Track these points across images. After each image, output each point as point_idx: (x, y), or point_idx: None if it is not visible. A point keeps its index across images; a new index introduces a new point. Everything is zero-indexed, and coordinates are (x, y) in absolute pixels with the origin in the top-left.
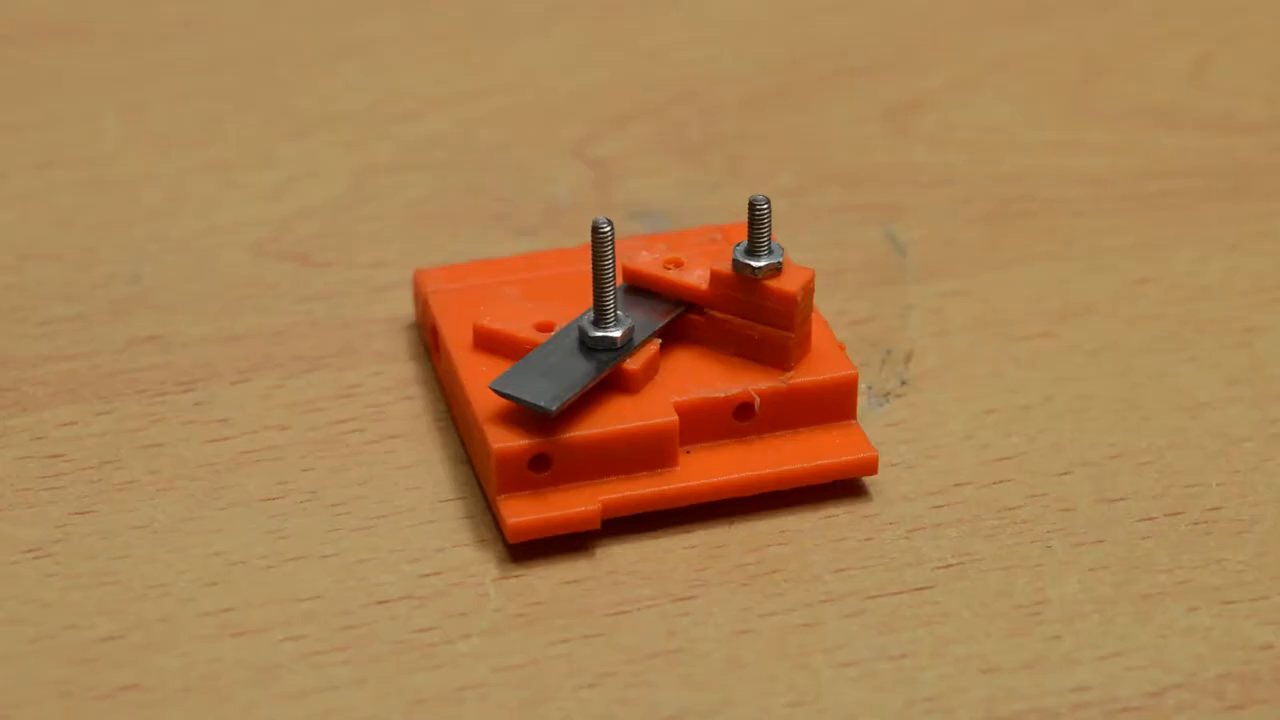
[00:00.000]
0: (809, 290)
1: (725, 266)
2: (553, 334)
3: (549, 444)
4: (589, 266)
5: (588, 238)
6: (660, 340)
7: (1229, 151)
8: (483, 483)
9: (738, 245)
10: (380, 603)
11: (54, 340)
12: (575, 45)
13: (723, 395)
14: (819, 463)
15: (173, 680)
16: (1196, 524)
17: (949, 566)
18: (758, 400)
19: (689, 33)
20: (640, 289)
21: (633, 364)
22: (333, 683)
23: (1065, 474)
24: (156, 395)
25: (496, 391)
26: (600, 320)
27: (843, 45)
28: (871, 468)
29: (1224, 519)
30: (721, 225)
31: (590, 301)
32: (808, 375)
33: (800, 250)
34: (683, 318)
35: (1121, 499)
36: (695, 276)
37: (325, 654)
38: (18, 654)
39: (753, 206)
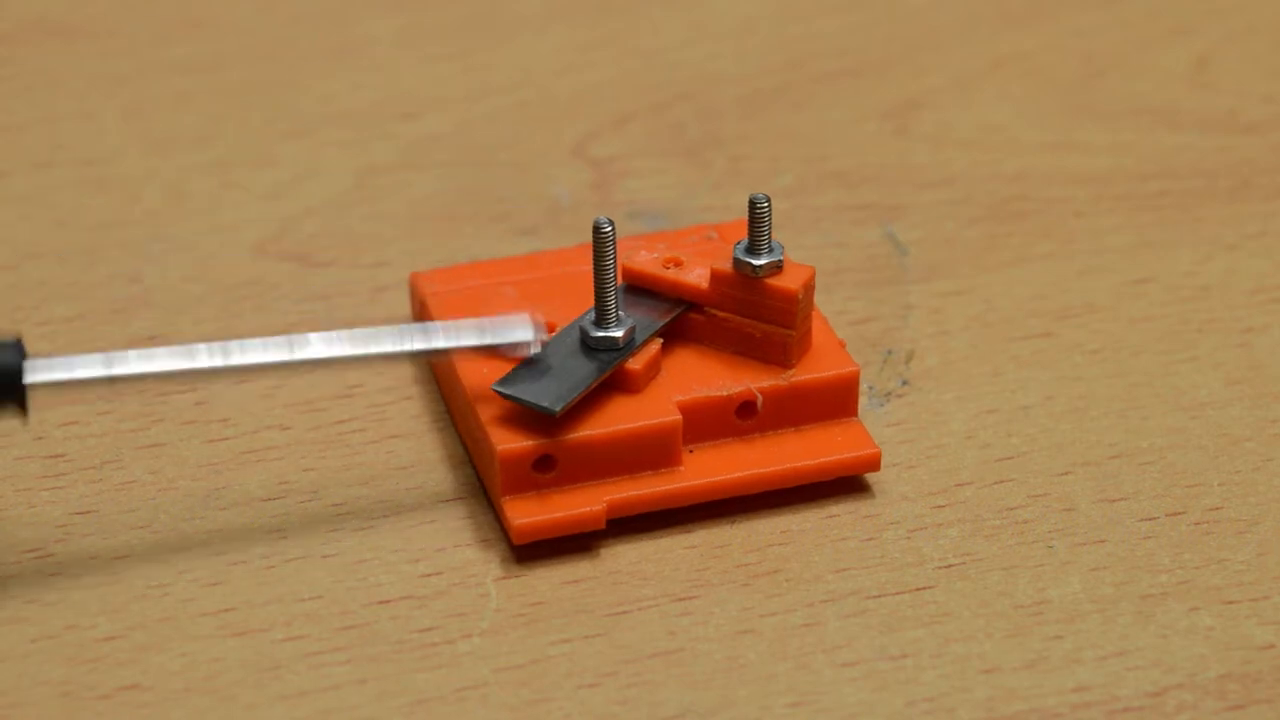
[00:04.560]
0: (810, 288)
1: (725, 265)
2: (554, 334)
3: (553, 445)
4: (588, 266)
5: (588, 238)
6: (661, 340)
7: (1229, 151)
8: (486, 484)
9: (738, 244)
10: (381, 603)
11: (54, 340)
12: (575, 45)
13: (725, 394)
14: (822, 460)
15: (173, 680)
16: (1197, 524)
17: (950, 566)
18: (760, 398)
19: (689, 33)
20: (640, 288)
21: (635, 364)
22: (333, 683)
23: (1066, 474)
24: (157, 395)
25: (499, 393)
26: (602, 320)
27: (843, 45)
28: (874, 464)
29: (1225, 519)
30: (717, 224)
31: (590, 301)
32: (809, 373)
33: (800, 250)
34: (683, 317)
35: (1122, 499)
36: (695, 275)
37: (326, 654)
38: (18, 654)
39: (753, 205)
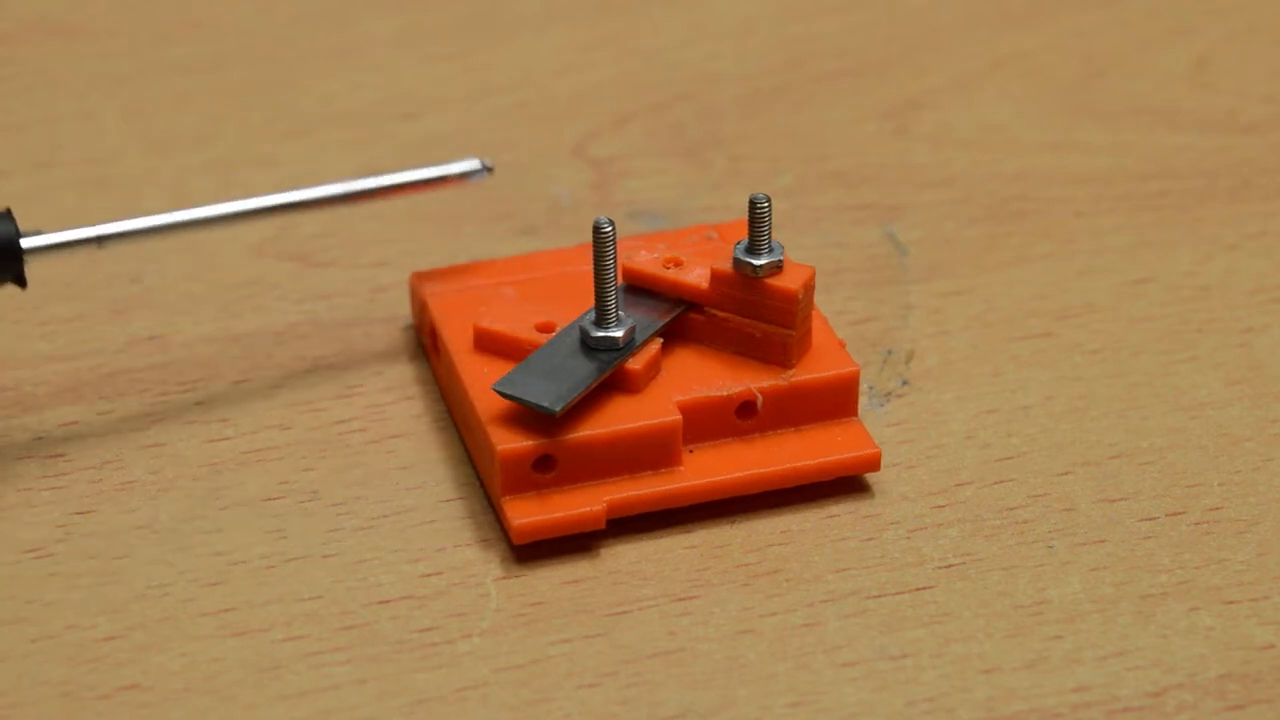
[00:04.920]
0: (810, 288)
1: (725, 265)
2: (554, 334)
3: (553, 445)
4: (587, 266)
5: (588, 238)
6: (661, 340)
7: (1229, 151)
8: (486, 484)
9: (738, 244)
10: (381, 603)
11: (54, 340)
12: (575, 45)
13: (725, 394)
14: (822, 459)
15: (173, 680)
16: (1197, 524)
17: (950, 566)
18: (760, 398)
19: (689, 33)
20: (640, 288)
21: (635, 364)
22: (333, 682)
23: (1066, 474)
24: (157, 395)
25: (499, 393)
26: (602, 320)
27: (843, 45)
28: (874, 464)
29: (1225, 519)
30: (717, 224)
31: (589, 301)
32: (809, 372)
33: (800, 250)
34: (683, 317)
35: (1122, 499)
36: (695, 275)
37: (326, 654)
38: (18, 654)
39: (753, 205)
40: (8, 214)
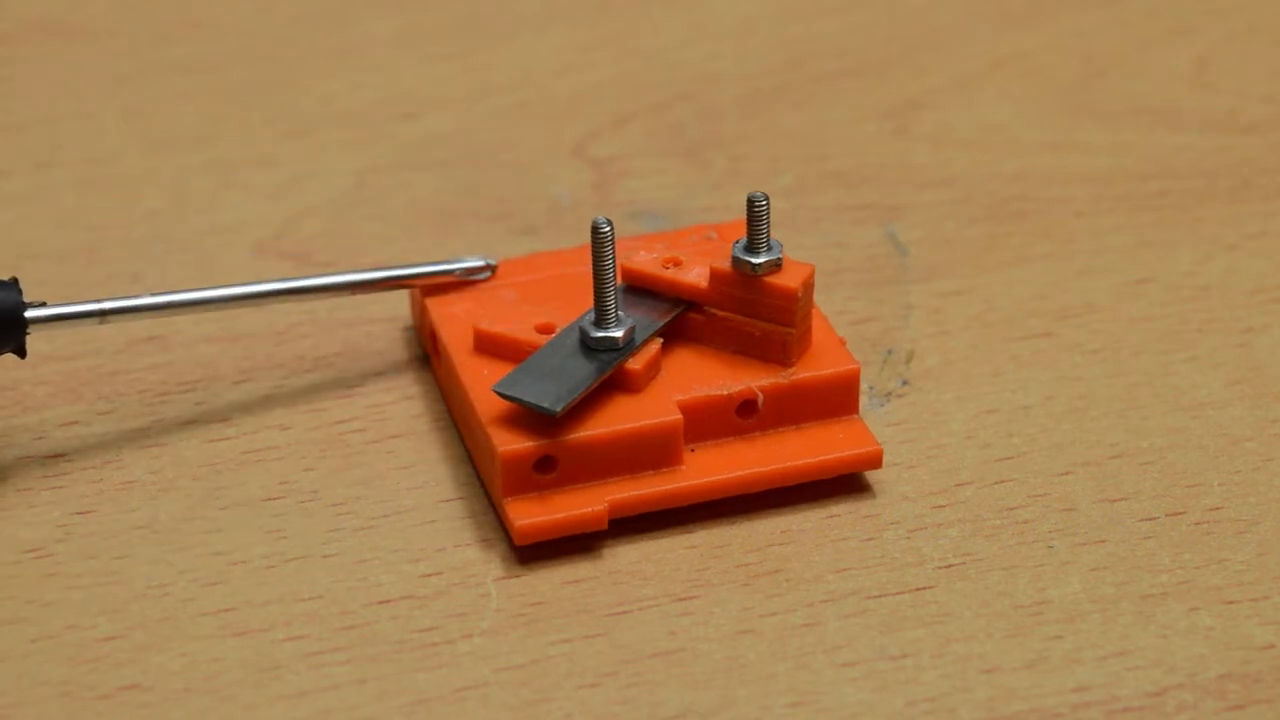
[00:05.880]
0: (809, 285)
1: (724, 264)
2: (554, 335)
3: (554, 445)
4: (586, 267)
5: (588, 238)
6: (661, 339)
7: (1229, 151)
8: (487, 485)
9: (736, 242)
10: (381, 602)
11: (54, 340)
12: (575, 45)
13: (725, 393)
14: (824, 457)
15: (173, 680)
16: (1198, 524)
17: (950, 566)
18: (761, 397)
19: (689, 33)
20: (639, 288)
21: (635, 364)
22: (333, 682)
23: (1066, 474)
24: (157, 395)
25: (500, 394)
26: (601, 320)
27: (843, 45)
28: (876, 461)
29: (1225, 519)
30: (717, 224)
31: (589, 302)
32: (809, 370)
33: (800, 250)
34: (682, 316)
35: (1123, 499)
36: (695, 275)
37: (326, 654)
38: (18, 654)
39: (751, 204)
40: (13, 283)
